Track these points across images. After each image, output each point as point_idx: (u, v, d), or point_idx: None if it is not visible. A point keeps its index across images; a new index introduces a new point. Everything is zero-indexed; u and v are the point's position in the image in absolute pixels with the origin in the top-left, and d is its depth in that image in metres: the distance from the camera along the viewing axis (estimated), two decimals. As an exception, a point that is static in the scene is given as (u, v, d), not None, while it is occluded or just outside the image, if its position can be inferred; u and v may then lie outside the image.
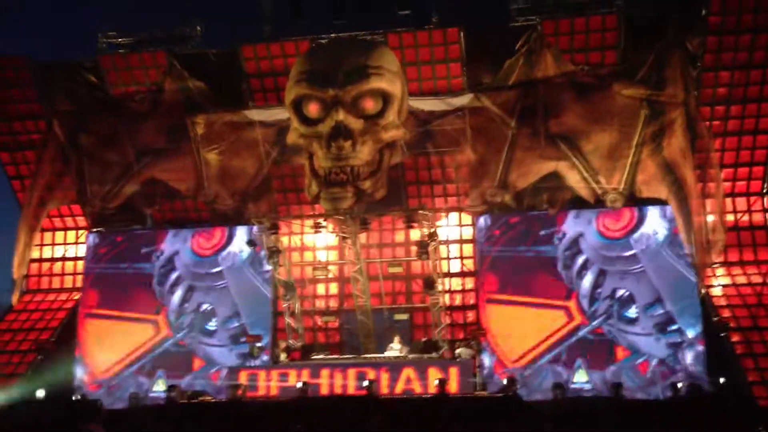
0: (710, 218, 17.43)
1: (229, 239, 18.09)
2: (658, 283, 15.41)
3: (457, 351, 16.72)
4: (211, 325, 17.74)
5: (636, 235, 15.93)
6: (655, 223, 15.81)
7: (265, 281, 18.07)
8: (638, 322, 15.60)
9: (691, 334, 15.64)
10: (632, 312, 15.56)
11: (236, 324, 17.93)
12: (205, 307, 17.99)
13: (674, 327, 15.52)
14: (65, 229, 21.50)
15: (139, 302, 18.95)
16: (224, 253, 17.95)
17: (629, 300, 15.60)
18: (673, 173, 17.40)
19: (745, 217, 18.71)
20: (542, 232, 16.25)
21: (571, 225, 15.97)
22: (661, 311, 15.60)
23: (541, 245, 16.38)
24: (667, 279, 15.39)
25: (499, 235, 18.55)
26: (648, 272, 15.51)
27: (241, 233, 18.33)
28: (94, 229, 20.63)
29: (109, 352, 18.80)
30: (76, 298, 20.54)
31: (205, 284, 17.82)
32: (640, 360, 15.68)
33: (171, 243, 17.96)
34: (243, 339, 18.14)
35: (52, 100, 19.77)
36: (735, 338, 17.04)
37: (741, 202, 18.80)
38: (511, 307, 17.24)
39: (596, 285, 15.96)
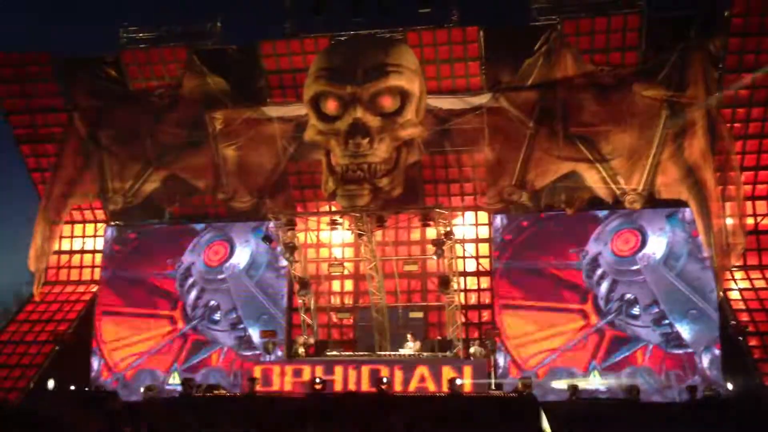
0: (730, 221, 17.28)
1: (231, 254, 20.45)
2: (655, 290, 18.11)
3: (472, 350, 16.70)
4: (217, 316, 20.15)
5: (640, 255, 18.40)
6: (654, 246, 18.34)
7: (256, 285, 20.08)
8: (640, 318, 18.11)
9: (678, 327, 17.73)
10: (636, 310, 18.19)
11: (234, 315, 20.01)
12: (212, 303, 20.24)
13: (666, 322, 17.91)
14: (84, 221, 21.67)
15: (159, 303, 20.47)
16: (227, 264, 20.38)
17: (634, 302, 18.23)
18: (694, 175, 17.26)
19: (765, 221, 18.52)
20: (572, 250, 18.76)
21: (593, 246, 18.70)
22: (656, 310, 18.01)
23: (570, 260, 18.74)
24: (661, 287, 18.12)
25: (515, 235, 18.69)
26: (648, 282, 18.18)
27: (240, 250, 20.38)
28: (113, 223, 20.82)
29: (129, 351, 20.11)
30: (93, 290, 20.76)
31: (213, 287, 20.38)
32: (640, 345, 17.91)
33: (189, 256, 20.62)
34: (242, 326, 19.62)
35: (73, 94, 19.93)
36: (752, 342, 16.89)
37: (761, 206, 18.62)
38: (528, 312, 18.61)
39: (610, 290, 18.44)
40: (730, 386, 16.40)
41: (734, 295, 17.96)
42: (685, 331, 17.62)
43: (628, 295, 18.14)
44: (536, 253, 18.69)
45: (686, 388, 15.49)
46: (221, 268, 20.28)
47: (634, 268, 18.25)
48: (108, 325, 19.96)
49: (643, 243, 18.49)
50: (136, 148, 19.86)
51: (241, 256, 20.25)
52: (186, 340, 19.83)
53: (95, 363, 19.70)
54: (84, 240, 21.66)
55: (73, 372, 18.78)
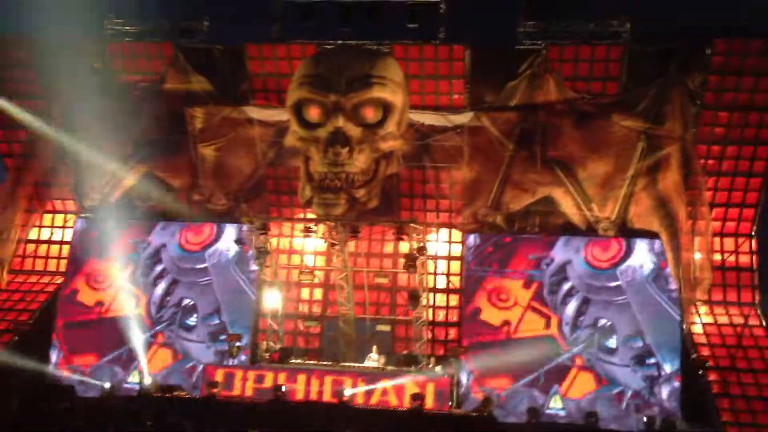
0: (698, 255, 17.53)
1: (218, 236, 18.18)
2: (640, 316, 15.80)
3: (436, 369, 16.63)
4: (192, 320, 17.75)
5: (622, 267, 16.41)
6: (642, 257, 16.35)
7: (249, 281, 18.10)
8: (617, 353, 15.95)
9: (668, 369, 16.04)
10: (612, 342, 15.95)
11: (216, 321, 17.90)
12: (186, 302, 17.97)
13: (652, 360, 15.86)
14: (53, 212, 21.33)
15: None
16: (211, 249, 17.98)
17: (610, 330, 15.99)
18: (666, 207, 17.52)
19: (732, 258, 18.80)
20: (531, 256, 16.79)
21: (560, 252, 16.45)
22: (640, 344, 15.93)
23: (529, 269, 16.95)
24: (649, 313, 15.77)
25: (489, 254, 18.68)
26: (631, 304, 15.93)
27: (230, 231, 18.48)
28: (83, 215, 20.50)
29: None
30: (58, 281, 20.36)
31: (189, 279, 17.85)
32: (616, 390, 15.97)
33: (159, 236, 18.05)
34: (223, 337, 18.14)
35: (52, 82, 19.67)
36: (712, 377, 17.10)
37: (729, 242, 18.90)
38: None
39: (579, 313, 16.37)
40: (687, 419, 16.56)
41: (697, 329, 18.17)
42: (677, 373, 15.43)
43: (603, 321, 16.01)
44: (509, 266, 17.83)
45: (646, 418, 15.58)
46: (203, 255, 17.65)
47: (614, 284, 16.00)
48: (68, 323, 19.35)
49: (628, 252, 16.04)
50: (113, 141, 19.60)
51: (231, 241, 17.65)
52: (150, 346, 18.03)
53: (54, 356, 19.31)
54: (52, 230, 21.31)
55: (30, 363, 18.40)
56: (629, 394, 15.73)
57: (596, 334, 15.47)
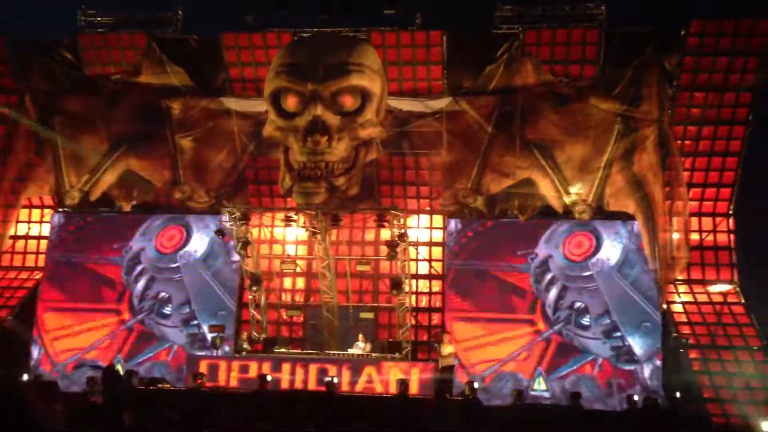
0: (676, 236, 17.71)
1: (187, 240, 19.70)
2: (608, 298, 17.97)
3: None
4: (167, 309, 19.42)
5: (593, 260, 18.25)
6: (608, 251, 18.27)
7: (214, 276, 19.35)
8: (590, 329, 17.96)
9: (630, 340, 17.70)
10: (586, 320, 18.04)
11: (187, 310, 19.31)
12: (162, 294, 19.53)
13: (617, 334, 17.79)
14: (30, 206, 21.07)
15: (103, 293, 19.75)
16: (182, 251, 19.60)
17: (584, 311, 18.08)
18: (642, 189, 17.68)
19: (710, 237, 19.02)
20: (519, 252, 18.49)
21: (543, 248, 18.47)
22: (608, 321, 17.89)
23: (517, 263, 18.54)
24: (614, 296, 17.95)
25: (469, 239, 18.78)
26: (600, 289, 18.06)
27: (197, 236, 19.69)
28: (60, 209, 20.27)
29: (71, 342, 19.41)
30: (37, 277, 20.17)
31: (164, 276, 19.60)
32: (589, 358, 17.78)
33: (139, 241, 19.82)
34: (195, 323, 18.98)
35: (26, 76, 19.36)
36: (693, 355, 17.34)
37: (707, 222, 19.11)
38: (476, 323, 18.37)
39: (559, 297, 18.26)
40: (668, 397, 16.79)
41: (677, 308, 18.41)
42: (636, 345, 17.50)
43: (579, 304, 17.95)
44: (489, 257, 18.60)
45: (626, 397, 15.78)
46: (175, 256, 19.49)
47: (586, 274, 18.10)
48: (50, 316, 19.41)
49: (597, 248, 18.23)
50: (90, 136, 19.38)
51: (198, 244, 19.45)
52: (131, 333, 19.16)
53: (35, 352, 19.16)
54: (29, 225, 21.06)
55: (12, 360, 18.23)
56: (599, 361, 17.70)
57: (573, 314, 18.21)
